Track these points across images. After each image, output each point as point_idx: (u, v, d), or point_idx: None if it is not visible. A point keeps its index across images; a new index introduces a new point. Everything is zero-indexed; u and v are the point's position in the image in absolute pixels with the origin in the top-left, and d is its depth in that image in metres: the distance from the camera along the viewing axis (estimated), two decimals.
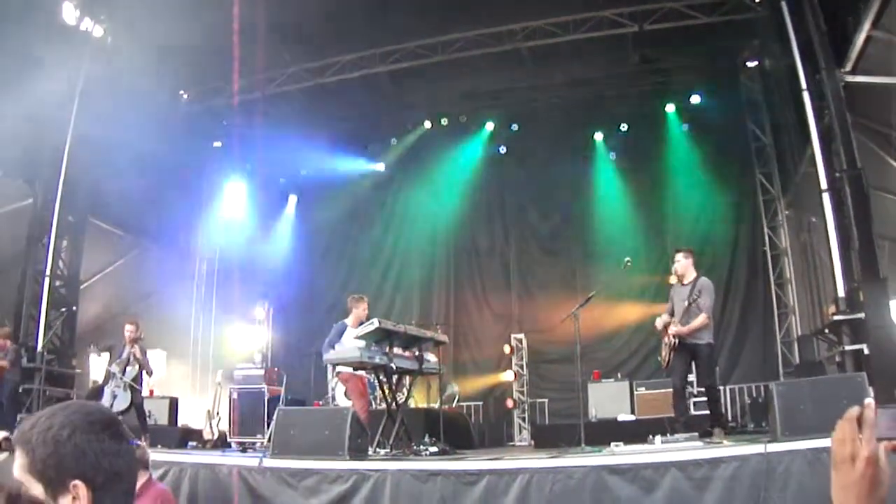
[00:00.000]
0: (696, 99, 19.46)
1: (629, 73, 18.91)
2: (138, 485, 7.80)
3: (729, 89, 18.94)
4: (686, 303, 11.12)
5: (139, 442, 8.54)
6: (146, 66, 17.00)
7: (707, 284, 11.37)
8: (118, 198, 18.40)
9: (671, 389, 11.51)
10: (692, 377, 12.64)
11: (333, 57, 19.07)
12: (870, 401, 1.93)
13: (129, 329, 14.16)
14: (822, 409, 7.22)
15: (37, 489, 2.22)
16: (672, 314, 11.51)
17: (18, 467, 2.25)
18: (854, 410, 1.90)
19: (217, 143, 22.57)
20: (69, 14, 17.60)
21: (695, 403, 13.87)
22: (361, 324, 11.65)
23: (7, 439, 4.42)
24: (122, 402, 13.37)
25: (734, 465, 7.10)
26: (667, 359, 11.25)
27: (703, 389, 11.55)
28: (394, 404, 11.38)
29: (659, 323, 11.43)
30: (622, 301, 17.14)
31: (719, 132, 19.07)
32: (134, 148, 17.04)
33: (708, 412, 11.19)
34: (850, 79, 12.84)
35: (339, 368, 12.33)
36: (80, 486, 2.19)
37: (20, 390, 15.76)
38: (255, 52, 16.22)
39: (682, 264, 11.61)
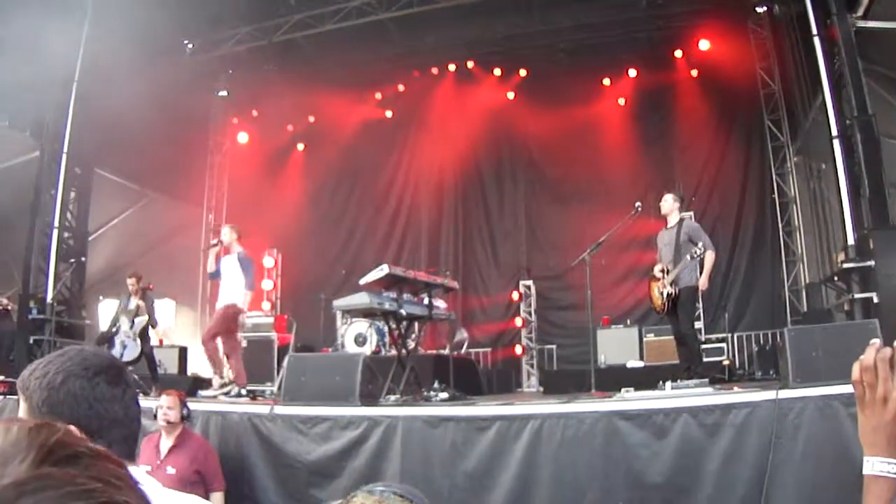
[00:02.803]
0: (704, 44, 19.21)
1: (637, 19, 18.68)
2: (175, 435, 7.92)
3: (738, 35, 18.71)
4: (674, 245, 11.18)
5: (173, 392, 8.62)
6: (150, 15, 16.90)
7: (695, 225, 11.47)
8: (125, 149, 18.40)
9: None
10: (698, 324, 12.68)
11: (339, 3, 18.94)
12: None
13: (130, 283, 14.27)
14: (833, 356, 7.20)
15: None
16: (660, 259, 11.59)
17: (21, 412, 2.28)
18: (887, 351, 1.90)
19: (223, 93, 22.49)
20: None
21: (704, 350, 13.91)
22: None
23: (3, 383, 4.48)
24: (132, 352, 13.47)
25: (745, 411, 7.11)
26: (665, 305, 11.29)
27: (683, 334, 11.50)
28: (403, 350, 11.43)
29: (657, 270, 11.49)
30: (630, 247, 17.12)
31: (728, 78, 18.82)
32: (140, 99, 16.95)
33: (706, 360, 11.26)
34: (861, 24, 12.76)
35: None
36: (73, 432, 2.20)
37: (31, 341, 15.89)
38: None
39: (669, 204, 11.67)
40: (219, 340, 12.64)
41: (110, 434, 2.28)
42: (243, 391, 12.30)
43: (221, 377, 12.91)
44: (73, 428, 2.20)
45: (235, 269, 12.57)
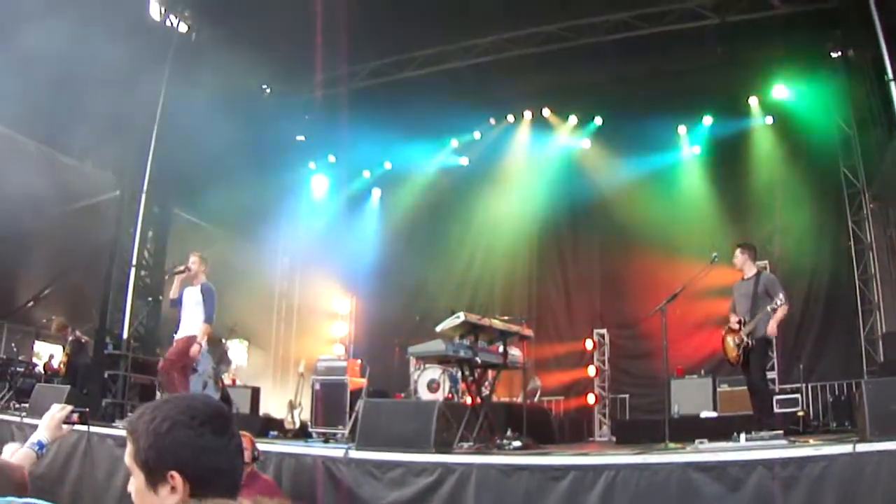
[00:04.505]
0: (779, 91, 19.16)
1: (712, 66, 18.62)
2: (244, 475, 8.05)
3: (812, 80, 18.52)
4: (751, 297, 11.18)
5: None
6: (229, 61, 17.26)
7: (772, 277, 11.45)
8: (202, 190, 18.76)
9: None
10: (772, 374, 12.60)
11: (416, 51, 19.20)
12: None
13: None
14: None
15: (139, 477, 2.37)
16: (734, 311, 11.59)
17: (126, 454, 2.40)
18: None
19: (300, 137, 22.84)
20: (155, 11, 18.02)
21: (778, 401, 13.78)
22: None
23: (76, 412, 4.66)
24: (212, 391, 13.69)
25: (822, 464, 7.02)
26: (740, 357, 11.27)
27: (755, 384, 11.46)
28: (478, 398, 11.47)
29: (733, 322, 11.48)
30: (705, 297, 17.00)
31: (802, 124, 18.70)
32: (218, 142, 17.32)
33: (779, 410, 11.17)
34: None
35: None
36: (176, 478, 2.31)
37: (106, 375, 16.22)
38: (337, 46, 16.42)
39: (739, 259, 11.77)
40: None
41: (213, 482, 2.38)
42: None
43: None
44: (175, 474, 2.34)
45: (198, 300, 12.49)
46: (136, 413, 2.50)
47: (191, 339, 12.27)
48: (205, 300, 12.45)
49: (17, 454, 4.25)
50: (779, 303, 10.87)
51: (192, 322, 12.48)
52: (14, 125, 16.86)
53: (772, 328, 11.07)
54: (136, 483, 2.39)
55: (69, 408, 4.63)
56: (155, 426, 2.37)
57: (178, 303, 12.73)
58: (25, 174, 16.54)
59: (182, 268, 12.79)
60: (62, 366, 17.11)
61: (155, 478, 2.35)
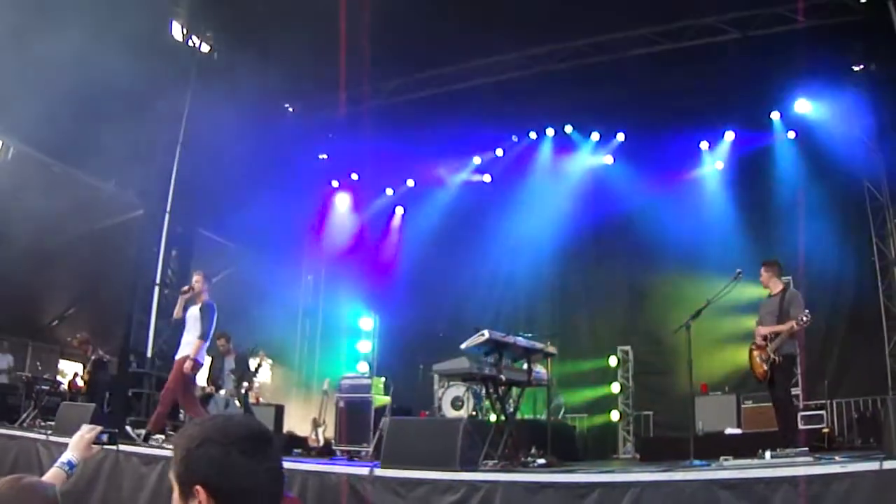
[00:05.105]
0: (801, 105, 19.13)
1: (733, 81, 18.63)
2: None
3: (835, 95, 18.49)
4: (776, 313, 11.18)
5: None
6: (252, 80, 17.37)
7: (795, 294, 11.42)
8: (225, 209, 18.87)
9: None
10: (796, 390, 12.57)
11: (437, 69, 19.27)
12: None
13: (220, 343, 14.61)
14: None
15: (175, 489, 2.42)
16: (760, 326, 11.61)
17: (172, 464, 2.45)
18: None
19: (323, 156, 22.96)
20: (177, 31, 18.17)
21: (803, 417, 13.72)
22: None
23: (105, 432, 4.72)
24: (234, 409, 13.73)
25: (848, 482, 6.96)
26: (767, 373, 11.26)
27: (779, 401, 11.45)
28: (502, 416, 11.46)
29: (760, 338, 11.48)
30: (729, 313, 16.87)
31: (825, 139, 18.59)
32: (241, 161, 17.44)
33: (804, 427, 11.14)
34: None
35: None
36: (201, 492, 2.35)
37: (130, 394, 16.32)
38: (359, 64, 16.51)
39: (764, 277, 11.83)
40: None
41: (239, 503, 2.41)
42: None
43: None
44: (200, 489, 2.38)
45: (197, 318, 12.57)
46: (181, 429, 2.56)
47: (185, 360, 12.30)
48: (202, 317, 12.52)
49: (47, 473, 4.31)
50: (804, 318, 10.86)
51: (187, 342, 12.58)
52: (38, 146, 17.04)
53: (784, 327, 11.13)
54: (174, 495, 2.45)
55: (98, 428, 4.70)
56: (187, 441, 2.43)
57: (182, 322, 12.84)
58: (50, 195, 16.71)
59: (186, 288, 12.91)
60: (84, 383, 17.20)
61: (185, 491, 2.40)
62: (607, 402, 19.91)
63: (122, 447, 10.11)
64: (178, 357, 12.64)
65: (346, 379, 17.33)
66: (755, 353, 11.51)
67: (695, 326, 11.26)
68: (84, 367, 17.20)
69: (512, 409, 12.40)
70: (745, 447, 10.76)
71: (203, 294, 12.79)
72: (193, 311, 12.67)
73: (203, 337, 12.46)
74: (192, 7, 18.27)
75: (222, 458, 2.38)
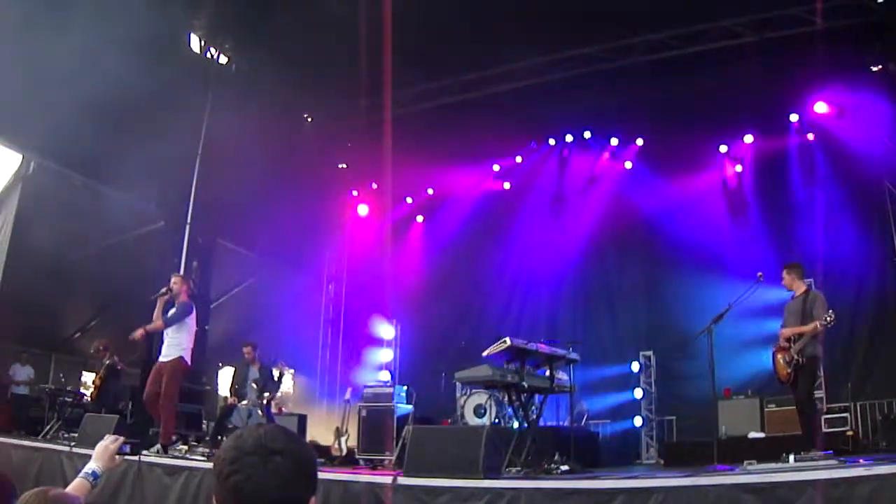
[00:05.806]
0: (820, 107, 19.04)
1: (751, 84, 18.59)
2: None
3: (853, 96, 18.46)
4: (800, 315, 11.14)
5: None
6: (270, 91, 17.42)
7: (819, 296, 11.36)
8: (246, 219, 18.96)
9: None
10: (819, 393, 12.52)
11: (455, 77, 19.30)
12: None
13: (246, 351, 14.65)
14: None
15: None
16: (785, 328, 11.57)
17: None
18: None
19: (342, 165, 23.01)
20: (195, 43, 18.25)
21: (826, 420, 13.66)
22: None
23: (129, 443, 4.75)
24: (257, 420, 13.76)
25: (872, 484, 6.92)
26: (791, 375, 11.21)
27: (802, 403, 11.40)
28: (525, 423, 11.45)
29: (784, 339, 11.44)
30: (751, 316, 16.78)
31: (845, 139, 18.60)
32: (260, 171, 17.49)
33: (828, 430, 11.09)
34: None
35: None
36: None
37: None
38: (377, 74, 16.54)
39: (787, 279, 11.79)
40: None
41: None
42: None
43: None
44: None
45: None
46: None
47: (162, 367, 12.44)
48: (176, 308, 12.63)
49: (71, 484, 4.34)
50: (828, 318, 10.83)
51: (171, 344, 12.65)
52: (59, 160, 17.10)
53: (796, 330, 11.12)
54: None
55: (121, 439, 4.73)
56: (225, 451, 2.42)
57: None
58: (71, 207, 16.79)
59: (164, 290, 12.89)
60: (94, 388, 17.17)
61: (215, 499, 2.39)
62: (630, 408, 19.83)
63: (145, 458, 10.16)
64: (164, 359, 12.66)
65: (369, 388, 17.35)
66: (778, 355, 11.47)
67: (717, 330, 11.24)
68: (96, 373, 17.19)
69: (535, 416, 12.39)
70: (769, 451, 10.74)
71: (182, 295, 12.84)
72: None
73: (168, 322, 12.62)
74: (209, 19, 18.33)
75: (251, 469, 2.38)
